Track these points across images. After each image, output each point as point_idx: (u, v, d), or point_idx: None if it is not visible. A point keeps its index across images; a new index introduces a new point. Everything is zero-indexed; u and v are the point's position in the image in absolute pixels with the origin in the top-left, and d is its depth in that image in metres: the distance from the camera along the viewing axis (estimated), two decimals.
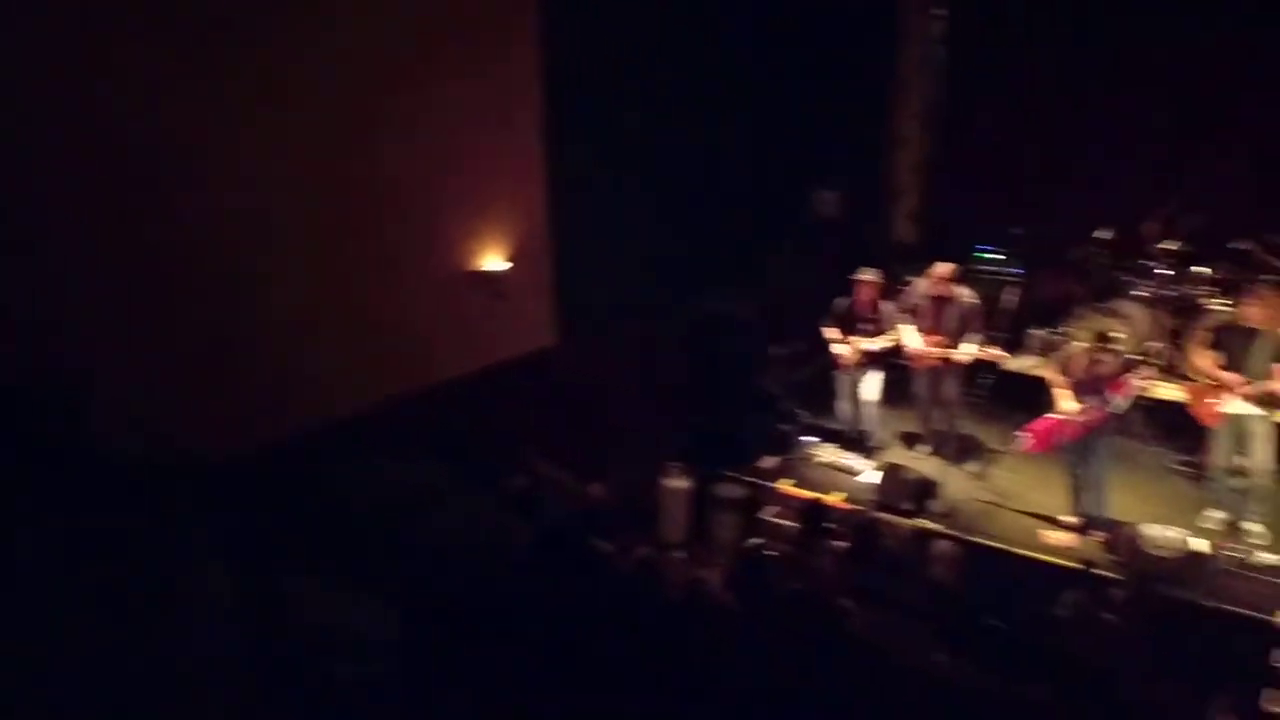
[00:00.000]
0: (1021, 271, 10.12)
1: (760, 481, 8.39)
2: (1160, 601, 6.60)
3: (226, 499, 5.80)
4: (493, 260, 8.47)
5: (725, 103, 9.91)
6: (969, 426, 8.96)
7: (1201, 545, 7.10)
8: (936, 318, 8.45)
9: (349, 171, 7.13)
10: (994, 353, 8.47)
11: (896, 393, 9.28)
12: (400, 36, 7.40)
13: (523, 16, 8.32)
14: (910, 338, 8.50)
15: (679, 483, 8.02)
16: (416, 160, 7.63)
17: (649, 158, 9.17)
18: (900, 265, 10.55)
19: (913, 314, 8.56)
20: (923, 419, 8.94)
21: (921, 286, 8.61)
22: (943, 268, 8.46)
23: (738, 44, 9.95)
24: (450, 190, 8.00)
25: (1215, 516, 7.65)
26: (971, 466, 8.59)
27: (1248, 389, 7.19)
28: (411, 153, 7.59)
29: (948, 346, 8.37)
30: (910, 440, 9.03)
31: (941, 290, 8.43)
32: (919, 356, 8.53)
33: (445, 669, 5.80)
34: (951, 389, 8.68)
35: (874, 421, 8.87)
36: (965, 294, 8.49)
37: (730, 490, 8.14)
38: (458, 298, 8.18)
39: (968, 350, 8.32)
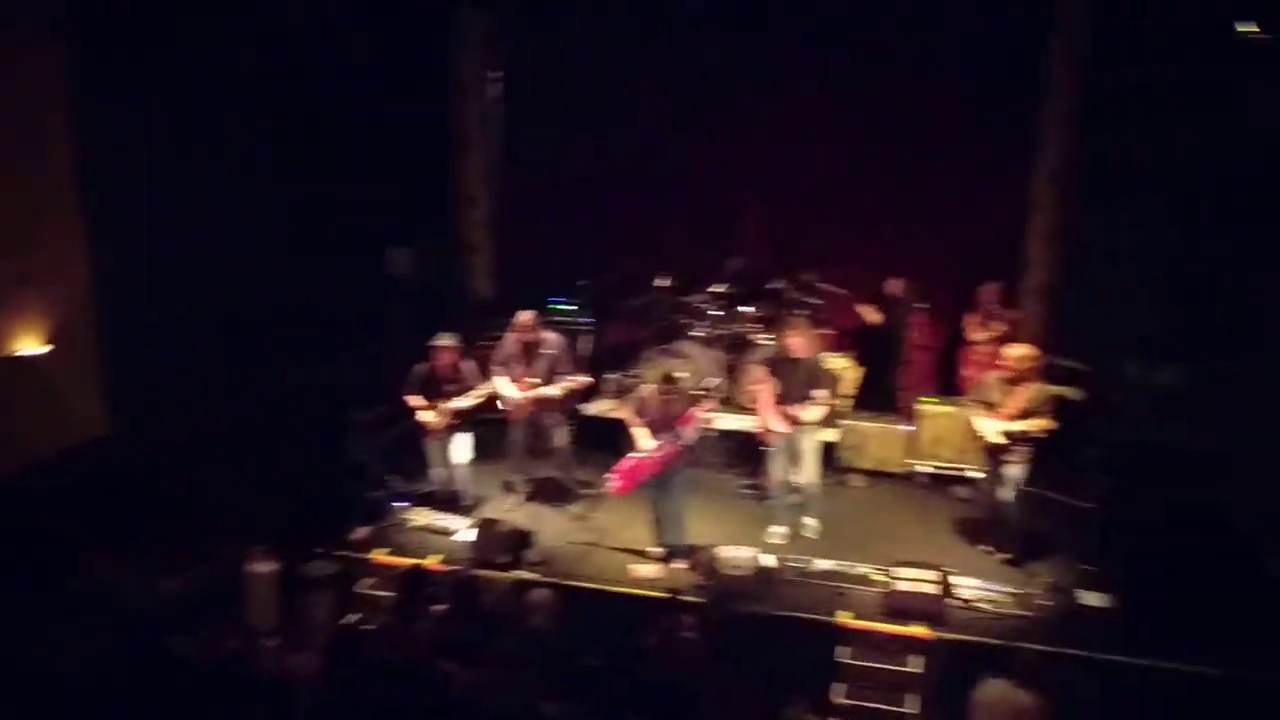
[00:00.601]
0: (592, 320, 10.62)
1: (353, 554, 8.11)
2: (738, 617, 7.15)
3: None
4: (28, 345, 7.61)
5: (291, 169, 9.66)
6: (567, 472, 9.17)
7: (769, 560, 7.77)
8: (528, 365, 8.71)
9: None
10: (583, 379, 8.87)
11: (490, 447, 9.39)
12: None
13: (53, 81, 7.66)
14: (505, 388, 8.64)
15: (264, 566, 7.59)
16: None
17: (210, 224, 8.68)
18: (480, 320, 10.75)
19: (504, 366, 8.73)
20: (517, 469, 9.06)
21: (510, 338, 8.80)
22: (525, 316, 8.73)
23: (300, 106, 9.73)
24: None
25: (778, 532, 8.44)
26: (567, 511, 8.83)
27: (792, 411, 8.06)
28: None
29: (541, 386, 8.67)
30: (506, 492, 9.12)
31: (528, 337, 8.68)
32: (518, 405, 8.69)
33: None
34: (556, 435, 8.97)
35: (467, 481, 8.87)
36: (550, 337, 8.82)
37: (321, 567, 7.83)
38: None
39: (564, 385, 8.67)
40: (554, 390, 8.66)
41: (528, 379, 8.68)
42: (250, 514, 8.10)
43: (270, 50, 9.30)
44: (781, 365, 8.26)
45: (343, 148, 10.27)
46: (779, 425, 8.15)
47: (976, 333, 9.91)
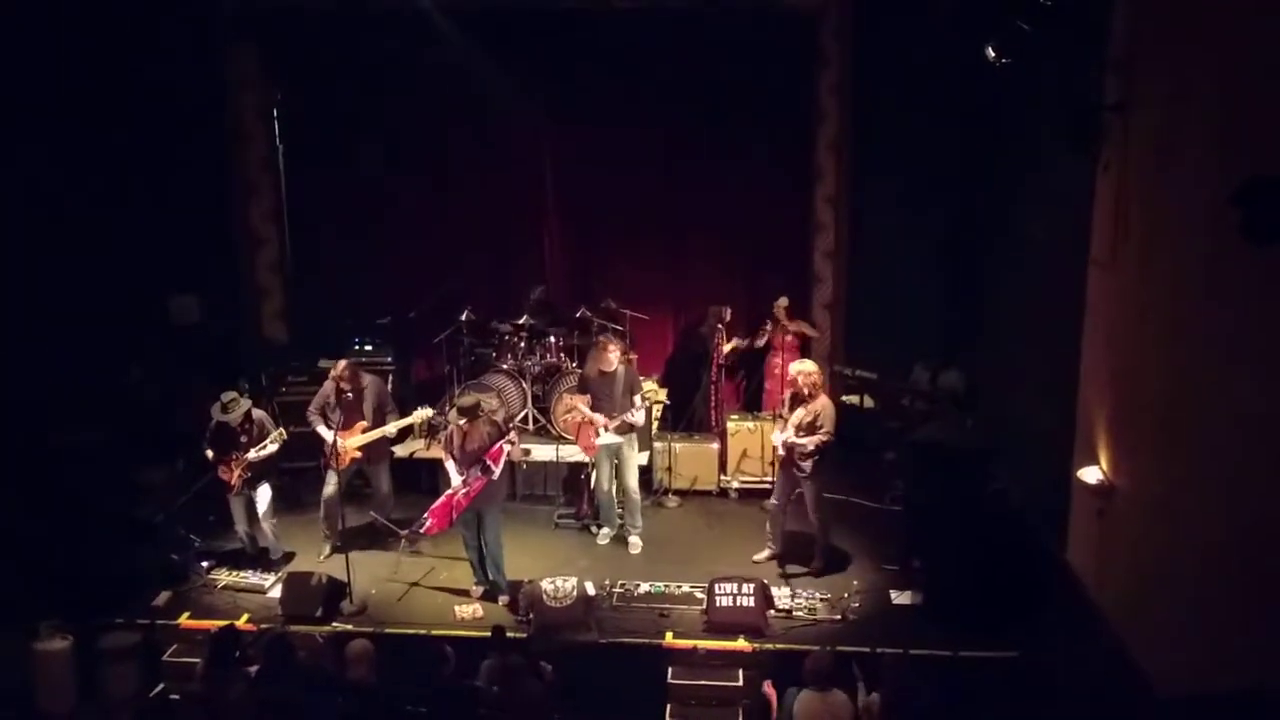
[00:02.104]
0: (394, 359, 10.42)
1: (156, 621, 7.65)
2: (566, 649, 7.14)
3: None
4: None
5: (68, 217, 9.15)
6: (384, 516, 8.84)
7: (591, 589, 7.79)
8: (353, 410, 8.48)
9: None
10: (424, 412, 8.73)
11: (297, 497, 9.19)
12: None
13: None
14: (329, 436, 8.31)
15: (55, 644, 7.09)
16: None
17: None
18: (275, 365, 10.37)
19: (322, 415, 8.44)
20: (330, 519, 8.63)
21: (328, 387, 8.52)
22: (344, 364, 8.51)
23: (75, 156, 9.30)
24: None
25: (607, 534, 8.81)
26: (383, 557, 8.57)
27: (613, 422, 8.37)
28: None
29: (372, 429, 8.50)
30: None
31: (351, 384, 8.45)
32: (348, 452, 8.42)
33: None
34: (381, 479, 8.75)
35: (272, 536, 8.46)
36: (368, 379, 8.66)
37: (121, 638, 7.36)
38: None
39: (398, 424, 8.59)
40: (391, 429, 8.52)
41: (356, 423, 8.46)
42: (36, 587, 7.55)
43: (40, 101, 8.84)
44: (597, 381, 8.50)
45: (120, 194, 9.82)
46: (608, 436, 8.41)
47: (760, 339, 10.45)
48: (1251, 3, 5.10)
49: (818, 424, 7.89)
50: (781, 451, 8.09)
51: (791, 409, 8.06)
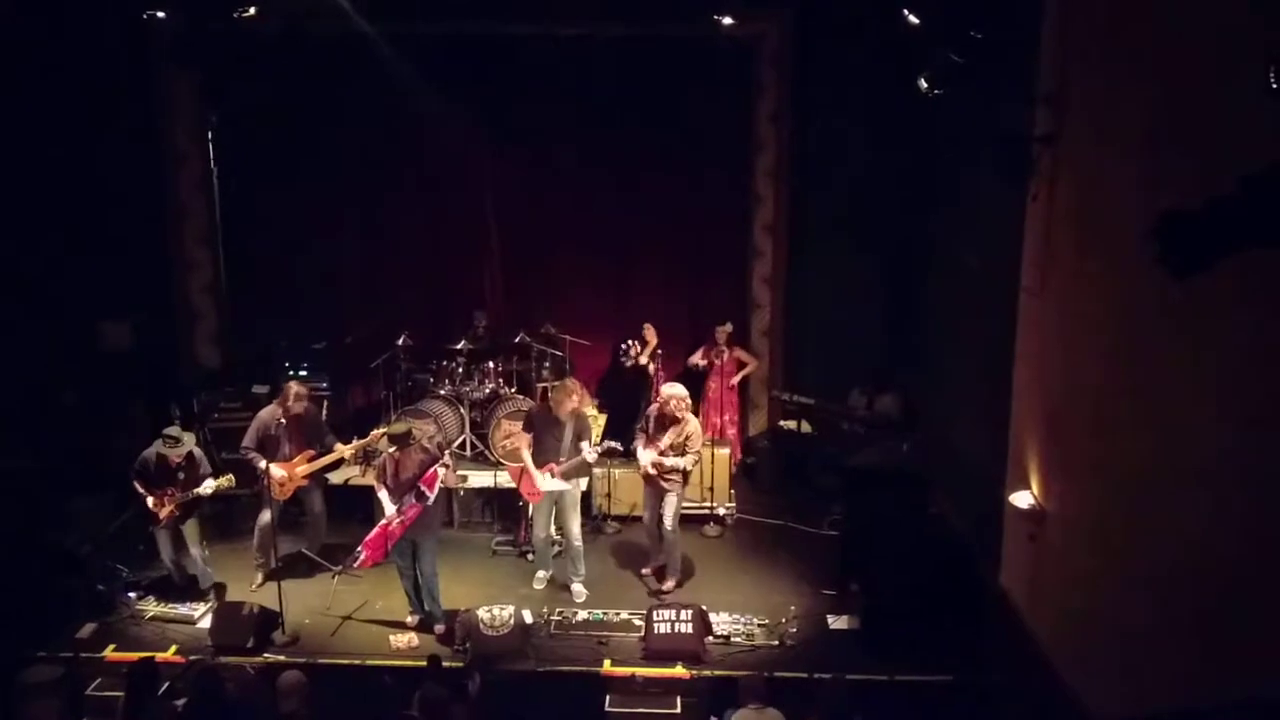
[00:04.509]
0: (329, 385, 10.28)
1: (80, 654, 7.43)
2: (503, 677, 7.07)
3: None
4: None
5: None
6: (318, 544, 8.76)
7: (529, 617, 7.72)
8: (298, 437, 8.37)
9: None
10: (376, 432, 8.60)
11: (232, 525, 9.08)
12: None
13: None
14: (278, 471, 8.19)
15: None
16: None
17: None
18: (207, 389, 10.19)
19: (262, 449, 8.27)
20: (264, 548, 8.42)
21: (268, 419, 8.36)
22: (298, 388, 8.39)
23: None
24: None
25: (542, 578, 8.51)
26: (317, 586, 8.42)
27: (559, 468, 8.12)
28: None
29: (316, 457, 8.39)
30: (258, 571, 8.52)
31: (299, 410, 8.34)
32: (290, 482, 8.29)
33: None
34: (316, 502, 8.63)
35: (202, 564, 8.26)
36: (310, 407, 8.58)
37: (42, 672, 7.10)
38: None
39: (360, 443, 8.57)
40: (347, 451, 8.48)
41: (301, 451, 8.36)
42: None
43: None
44: (547, 423, 8.24)
45: (47, 218, 9.61)
46: (554, 482, 8.15)
47: (696, 358, 10.54)
48: (1175, 41, 5.25)
49: (687, 446, 8.04)
50: (651, 470, 8.17)
51: (657, 429, 8.19)
